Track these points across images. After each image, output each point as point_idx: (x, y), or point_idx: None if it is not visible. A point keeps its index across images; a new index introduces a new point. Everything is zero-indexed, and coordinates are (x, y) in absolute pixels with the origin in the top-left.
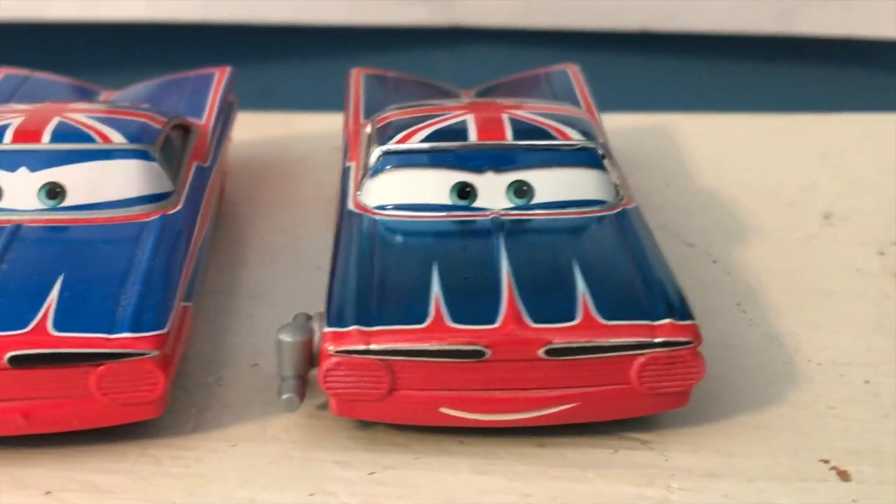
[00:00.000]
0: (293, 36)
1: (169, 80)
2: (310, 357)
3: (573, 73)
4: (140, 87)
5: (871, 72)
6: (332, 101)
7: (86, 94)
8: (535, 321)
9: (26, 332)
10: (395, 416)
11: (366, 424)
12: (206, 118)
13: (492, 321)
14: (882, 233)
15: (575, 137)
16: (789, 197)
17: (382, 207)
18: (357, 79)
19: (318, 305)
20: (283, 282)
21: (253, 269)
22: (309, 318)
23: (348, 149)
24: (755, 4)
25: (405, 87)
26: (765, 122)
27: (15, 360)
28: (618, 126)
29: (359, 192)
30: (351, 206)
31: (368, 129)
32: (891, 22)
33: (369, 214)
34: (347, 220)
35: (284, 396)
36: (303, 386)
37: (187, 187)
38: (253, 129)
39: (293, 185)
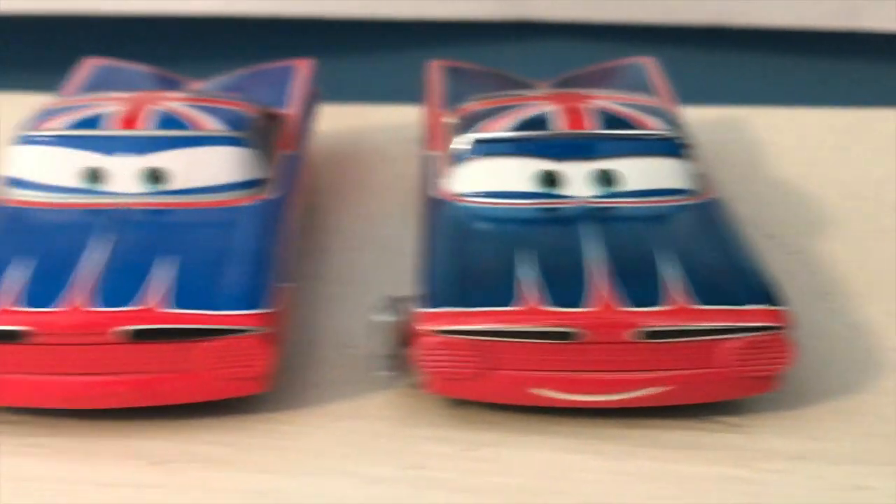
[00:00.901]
0: (365, 30)
1: (252, 72)
2: (404, 337)
3: (649, 65)
4: (223, 79)
5: None
6: (402, 93)
7: (170, 84)
8: (625, 304)
9: (143, 309)
10: (488, 395)
11: (458, 403)
12: (292, 108)
13: (582, 304)
14: None
15: (657, 127)
16: (865, 190)
17: (468, 195)
18: (435, 71)
19: (403, 289)
20: (367, 267)
21: (338, 255)
22: (398, 300)
23: (429, 138)
24: (822, 1)
25: (482, 79)
26: (840, 117)
27: (129, 335)
28: (694, 118)
29: (445, 180)
30: (437, 193)
31: (449, 119)
32: None
33: (456, 202)
34: (433, 208)
35: (382, 374)
36: (398, 364)
37: (278, 175)
38: (330, 120)
39: (371, 175)
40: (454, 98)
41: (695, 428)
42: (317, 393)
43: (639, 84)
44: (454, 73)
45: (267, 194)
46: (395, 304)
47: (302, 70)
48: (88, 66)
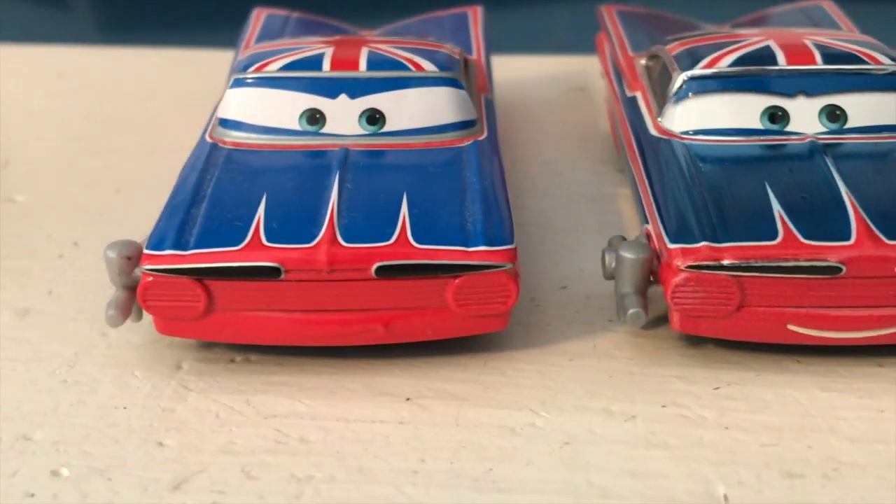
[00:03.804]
0: None
1: (425, 20)
2: (649, 274)
3: (829, 6)
4: (398, 26)
5: None
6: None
7: (345, 32)
8: (891, 238)
9: (391, 244)
10: (739, 333)
11: (696, 342)
12: (477, 53)
13: (846, 238)
14: None
15: (886, 62)
16: None
17: (688, 132)
18: (611, 15)
19: (603, 232)
20: (561, 212)
21: (530, 201)
22: (623, 238)
23: (625, 80)
24: None
25: (656, 21)
26: None
27: (380, 271)
28: None
29: (660, 119)
30: (653, 131)
31: (645, 60)
32: None
33: (677, 139)
34: (652, 145)
35: (631, 311)
36: (645, 301)
37: (484, 116)
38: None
39: (542, 124)
40: (637, 41)
41: None
42: (547, 332)
43: (826, 25)
44: (628, 17)
45: (479, 135)
46: (636, 241)
47: (476, 17)
48: (261, 16)
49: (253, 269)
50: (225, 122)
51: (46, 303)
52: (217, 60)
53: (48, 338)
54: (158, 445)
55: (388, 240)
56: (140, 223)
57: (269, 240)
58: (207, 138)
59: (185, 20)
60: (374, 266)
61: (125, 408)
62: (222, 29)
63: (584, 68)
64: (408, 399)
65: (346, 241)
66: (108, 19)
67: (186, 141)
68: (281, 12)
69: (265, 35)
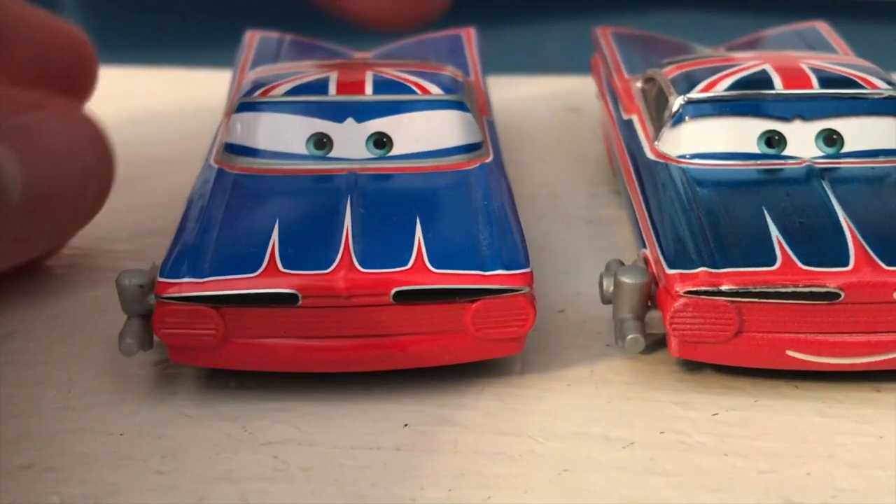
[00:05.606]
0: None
1: (419, 41)
2: (648, 299)
3: (824, 29)
4: (393, 48)
5: None
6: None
7: (339, 55)
8: (889, 264)
9: (408, 270)
10: (738, 359)
11: (694, 368)
12: (474, 75)
13: (844, 264)
14: None
15: (882, 87)
16: None
17: (685, 156)
18: (606, 37)
19: (599, 255)
20: (556, 234)
21: (525, 223)
22: (621, 263)
23: (621, 103)
24: None
25: (654, 44)
26: None
27: (398, 296)
28: None
29: (657, 142)
30: (650, 155)
31: (641, 83)
32: None
33: (674, 163)
34: (648, 169)
35: (630, 337)
36: (644, 327)
37: (489, 139)
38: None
39: (536, 145)
40: (632, 62)
41: None
42: (544, 357)
43: (821, 47)
44: (621, 38)
45: (486, 158)
46: (634, 266)
47: (469, 38)
48: (255, 38)
49: (269, 296)
50: (231, 147)
51: (42, 326)
52: (209, 80)
53: (43, 362)
54: (157, 473)
55: (405, 265)
56: (137, 247)
57: (285, 266)
58: (213, 163)
59: (176, 40)
60: (392, 291)
61: (121, 434)
62: (213, 49)
63: (578, 88)
64: (406, 425)
65: (363, 266)
66: (98, 40)
67: (182, 163)
68: (274, 34)
69: (260, 57)
